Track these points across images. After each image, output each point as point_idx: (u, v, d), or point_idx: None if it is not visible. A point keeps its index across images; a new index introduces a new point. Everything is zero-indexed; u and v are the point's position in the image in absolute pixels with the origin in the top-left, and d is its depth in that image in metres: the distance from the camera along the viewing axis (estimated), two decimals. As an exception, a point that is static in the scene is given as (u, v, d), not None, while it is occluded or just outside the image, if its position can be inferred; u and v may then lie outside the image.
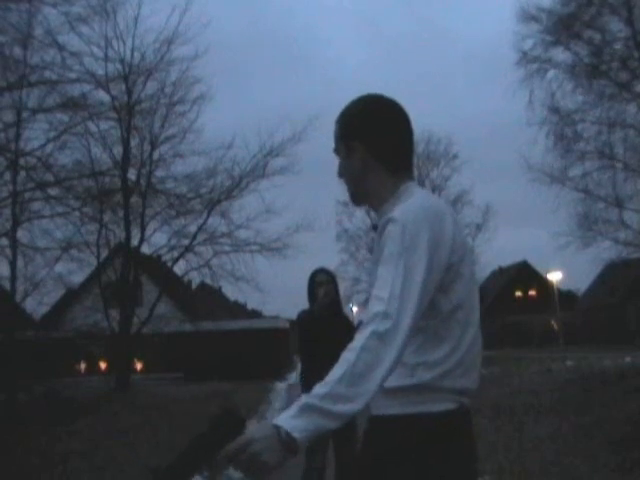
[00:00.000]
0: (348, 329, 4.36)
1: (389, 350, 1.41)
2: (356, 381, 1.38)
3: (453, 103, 68.01)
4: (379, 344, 1.41)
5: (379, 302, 1.46)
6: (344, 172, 1.78)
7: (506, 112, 25.87)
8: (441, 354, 1.56)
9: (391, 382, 1.53)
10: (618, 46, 15.22)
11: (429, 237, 1.51)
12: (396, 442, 1.56)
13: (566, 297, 43.98)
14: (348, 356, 1.41)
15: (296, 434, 1.35)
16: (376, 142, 1.71)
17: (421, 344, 1.56)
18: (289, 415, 1.38)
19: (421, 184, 34.71)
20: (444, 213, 1.60)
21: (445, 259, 1.54)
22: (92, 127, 17.12)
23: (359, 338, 1.43)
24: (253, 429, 1.40)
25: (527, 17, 15.64)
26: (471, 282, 1.63)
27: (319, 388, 1.40)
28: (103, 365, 24.60)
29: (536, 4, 15.67)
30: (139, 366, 26.30)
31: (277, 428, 1.37)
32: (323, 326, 4.46)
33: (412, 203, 1.60)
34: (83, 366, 25.46)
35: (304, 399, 1.40)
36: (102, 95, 17.18)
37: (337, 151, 1.78)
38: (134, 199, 18.97)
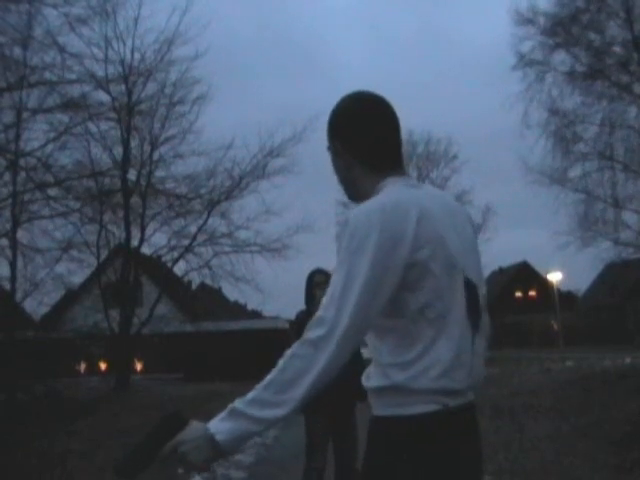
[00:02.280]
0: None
1: (320, 357, 1.43)
2: (283, 388, 1.43)
3: (454, 104, 68.08)
4: (311, 351, 1.43)
5: (321, 309, 1.49)
6: (334, 170, 1.78)
7: (506, 113, 25.87)
8: (413, 354, 1.52)
9: (372, 382, 1.58)
10: (617, 48, 15.25)
11: (379, 238, 1.48)
12: (383, 443, 1.56)
13: (566, 297, 44.02)
14: (280, 363, 1.46)
15: (219, 437, 1.42)
16: (355, 140, 1.69)
17: (396, 345, 1.54)
18: (218, 418, 1.45)
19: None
20: (407, 210, 1.52)
21: (404, 257, 1.49)
22: (92, 128, 17.17)
23: (294, 345, 1.47)
24: (187, 430, 1.46)
25: (523, 20, 15.69)
26: (446, 279, 1.55)
27: (250, 393, 1.46)
28: (103, 365, 24.60)
29: (532, 7, 15.72)
30: (139, 366, 26.29)
31: (207, 430, 1.44)
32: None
33: (372, 202, 1.57)
34: (83, 366, 25.45)
35: (234, 403, 1.46)
36: (102, 96, 17.23)
37: (329, 149, 1.79)
38: (134, 199, 18.97)
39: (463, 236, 1.65)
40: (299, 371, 1.43)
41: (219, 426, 1.43)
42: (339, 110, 1.74)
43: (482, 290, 1.72)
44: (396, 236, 1.49)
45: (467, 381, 1.56)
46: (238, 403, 1.45)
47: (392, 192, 1.61)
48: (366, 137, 1.69)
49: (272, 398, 1.43)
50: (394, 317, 1.54)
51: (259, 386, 1.46)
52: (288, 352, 1.47)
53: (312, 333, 1.46)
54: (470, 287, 1.61)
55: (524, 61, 15.67)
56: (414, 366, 1.51)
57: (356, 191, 1.74)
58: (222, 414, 1.45)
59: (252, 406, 1.44)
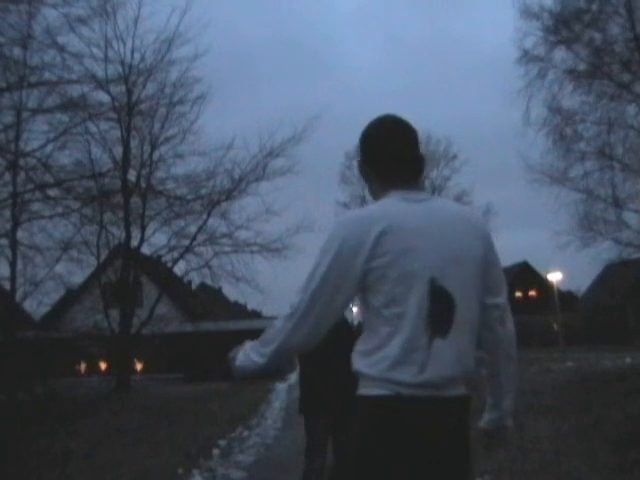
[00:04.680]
0: (346, 329, 4.35)
1: (284, 329, 1.85)
2: (264, 344, 1.91)
3: (455, 104, 68.10)
4: (281, 324, 1.87)
5: None
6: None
7: (507, 111, 25.88)
8: (372, 346, 1.80)
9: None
10: (619, 47, 15.22)
11: (341, 244, 1.80)
12: (357, 417, 1.84)
13: (566, 297, 44.02)
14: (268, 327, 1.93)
15: (236, 362, 1.97)
16: (370, 157, 1.99)
17: (366, 336, 1.84)
18: (242, 350, 1.99)
19: (420, 184, 34.73)
20: (371, 224, 1.79)
21: (361, 263, 1.78)
22: (92, 128, 17.15)
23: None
24: (233, 350, 2.03)
25: (529, 14, 15.62)
26: (403, 285, 1.76)
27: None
28: (103, 365, 24.60)
29: (538, 1, 15.66)
30: (139, 366, 26.30)
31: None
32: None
33: (353, 211, 1.93)
34: (83, 366, 25.46)
35: (248, 344, 1.99)
36: (102, 96, 17.23)
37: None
38: (134, 200, 18.96)
39: (452, 250, 1.83)
40: (272, 336, 1.89)
41: (237, 354, 1.98)
42: (363, 131, 2.03)
43: (494, 299, 1.94)
44: (356, 245, 1.78)
45: (419, 377, 1.75)
46: (248, 344, 1.98)
47: (375, 205, 1.91)
48: (377, 155, 1.98)
49: (259, 349, 1.92)
50: (365, 312, 1.85)
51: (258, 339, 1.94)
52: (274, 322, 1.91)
53: (286, 311, 1.87)
54: (440, 295, 1.79)
55: (527, 57, 15.63)
56: (371, 356, 1.79)
57: (373, 199, 2.01)
58: (243, 346, 1.99)
59: (251, 350, 1.94)
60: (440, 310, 1.78)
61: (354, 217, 1.88)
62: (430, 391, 1.76)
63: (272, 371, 2.02)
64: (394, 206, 1.86)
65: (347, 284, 1.80)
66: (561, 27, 15.29)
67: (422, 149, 2.04)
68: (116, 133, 18.39)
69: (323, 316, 1.83)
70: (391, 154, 1.95)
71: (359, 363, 1.82)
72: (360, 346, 1.84)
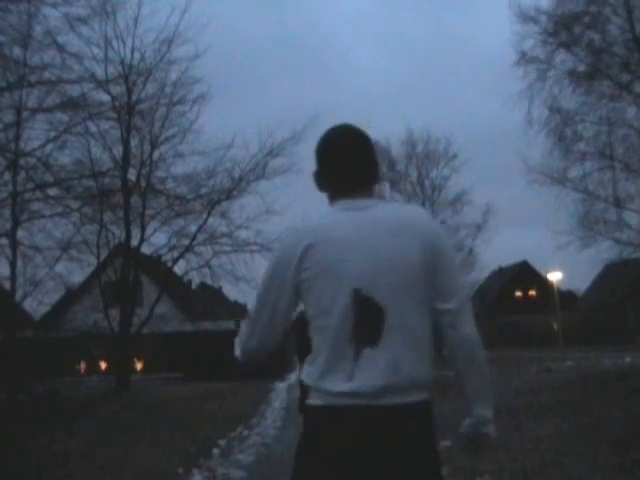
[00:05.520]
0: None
1: (244, 333, 1.99)
2: (239, 343, 2.03)
3: (455, 104, 68.12)
4: (242, 327, 2.05)
5: None
6: None
7: (508, 112, 25.82)
8: (311, 357, 1.86)
9: None
10: (618, 48, 15.21)
11: (277, 259, 1.91)
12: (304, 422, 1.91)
13: (566, 297, 44.08)
14: None
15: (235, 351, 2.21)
16: (319, 170, 2.01)
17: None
18: None
19: (421, 184, 34.71)
20: (300, 239, 1.84)
21: (291, 277, 1.85)
22: (92, 127, 17.09)
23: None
24: None
25: (525, 18, 15.63)
26: (329, 297, 1.79)
27: None
28: (103, 365, 24.60)
29: (534, 5, 15.67)
30: (139, 366, 26.30)
31: None
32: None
33: (298, 222, 1.97)
34: (83, 366, 25.45)
35: None
36: (102, 95, 17.18)
37: None
38: (134, 199, 18.93)
39: (382, 258, 1.80)
40: (240, 338, 2.04)
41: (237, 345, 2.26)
42: (316, 142, 2.04)
43: (444, 305, 1.83)
44: (287, 258, 1.86)
45: (346, 386, 1.75)
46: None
47: (312, 218, 1.96)
48: (322, 169, 2.00)
49: (237, 345, 2.11)
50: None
51: None
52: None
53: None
54: (367, 306, 1.77)
55: (525, 59, 15.62)
56: (309, 366, 1.85)
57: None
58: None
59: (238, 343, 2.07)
60: (367, 320, 1.76)
61: (291, 229, 1.95)
62: (362, 400, 1.73)
63: (255, 367, 2.13)
64: (330, 217, 1.92)
65: (285, 293, 1.88)
66: (561, 30, 15.27)
67: (377, 157, 1.99)
68: (116, 133, 18.36)
69: (270, 321, 1.92)
70: (337, 163, 1.96)
71: (302, 373, 1.89)
72: (308, 356, 1.89)
